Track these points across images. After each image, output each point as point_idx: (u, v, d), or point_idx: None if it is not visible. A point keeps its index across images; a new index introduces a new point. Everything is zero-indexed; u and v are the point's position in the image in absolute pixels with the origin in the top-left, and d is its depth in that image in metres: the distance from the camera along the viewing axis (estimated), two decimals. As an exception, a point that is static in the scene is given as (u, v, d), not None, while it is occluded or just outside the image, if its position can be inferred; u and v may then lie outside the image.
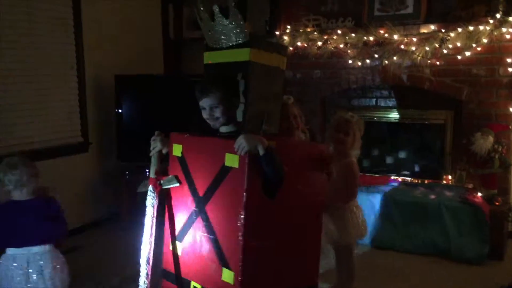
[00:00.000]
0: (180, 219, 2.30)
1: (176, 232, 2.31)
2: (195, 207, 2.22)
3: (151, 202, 2.30)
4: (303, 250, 2.28)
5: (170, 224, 2.36)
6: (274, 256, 2.13)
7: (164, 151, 2.36)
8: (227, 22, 2.28)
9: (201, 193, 2.19)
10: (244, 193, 1.99)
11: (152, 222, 2.31)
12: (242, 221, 1.99)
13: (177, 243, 2.30)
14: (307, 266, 2.31)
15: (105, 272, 3.63)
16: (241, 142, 1.98)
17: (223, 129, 2.34)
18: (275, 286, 2.18)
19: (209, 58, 2.44)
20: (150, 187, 2.32)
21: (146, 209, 2.30)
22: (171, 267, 2.34)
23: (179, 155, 2.29)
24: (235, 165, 2.04)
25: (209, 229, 2.16)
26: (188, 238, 2.25)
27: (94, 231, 4.57)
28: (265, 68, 2.47)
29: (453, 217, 3.79)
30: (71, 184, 4.39)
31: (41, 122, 4.14)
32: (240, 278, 1.99)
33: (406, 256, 3.86)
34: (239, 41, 2.35)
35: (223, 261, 2.06)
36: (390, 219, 4.02)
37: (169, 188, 2.36)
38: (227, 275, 2.04)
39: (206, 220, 2.18)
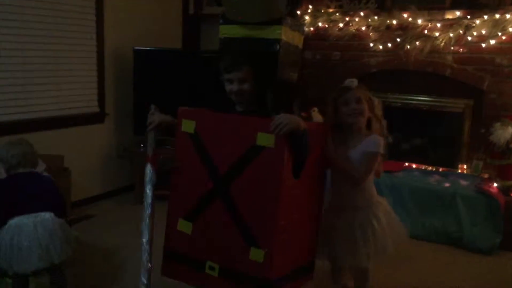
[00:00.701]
0: (191, 198, 2.25)
1: (186, 212, 2.26)
2: (213, 187, 2.18)
3: (149, 180, 2.26)
4: (312, 226, 2.32)
5: (175, 203, 2.29)
6: (295, 234, 2.15)
7: (163, 126, 2.31)
8: None
9: (222, 173, 2.15)
10: (281, 173, 1.99)
11: (153, 201, 2.28)
12: (276, 200, 2.00)
13: (186, 222, 2.26)
14: (313, 241, 2.35)
15: (113, 243, 3.66)
16: (282, 121, 1.96)
17: (241, 107, 2.32)
18: (294, 261, 2.21)
19: (228, 31, 2.40)
20: (148, 166, 2.27)
21: (145, 188, 2.26)
22: (178, 247, 2.30)
23: (191, 131, 2.21)
24: (270, 144, 2.01)
25: (232, 208, 2.13)
26: (202, 218, 2.22)
27: (108, 202, 4.61)
28: (291, 48, 2.46)
29: (467, 206, 3.77)
30: (86, 154, 4.43)
31: (58, 90, 4.14)
32: (271, 256, 2.01)
33: (418, 242, 3.85)
34: (265, 17, 2.32)
35: (250, 240, 2.05)
36: (404, 205, 4.01)
37: (173, 167, 2.30)
38: (256, 254, 2.05)
39: (229, 199, 2.13)
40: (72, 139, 4.25)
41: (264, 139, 2.03)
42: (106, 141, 4.67)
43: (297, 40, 2.53)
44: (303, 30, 2.54)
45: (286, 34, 2.34)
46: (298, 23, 2.56)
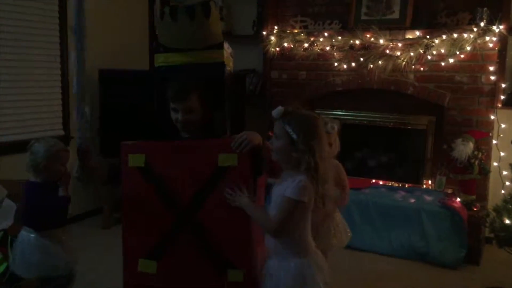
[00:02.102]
0: (151, 235, 2.15)
1: (147, 250, 2.15)
2: (177, 218, 2.12)
3: None
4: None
5: (131, 243, 2.19)
6: (260, 247, 2.14)
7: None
8: (192, 22, 2.23)
9: (185, 202, 2.10)
10: (248, 189, 2.01)
11: None
12: (248, 217, 1.99)
13: (149, 261, 2.16)
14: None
15: (79, 268, 3.58)
16: (244, 138, 1.98)
17: (186, 134, 2.27)
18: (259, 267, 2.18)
19: (166, 59, 2.34)
20: None
21: None
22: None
23: (141, 165, 2.13)
24: (233, 163, 2.01)
25: (202, 235, 2.08)
26: (169, 253, 2.14)
27: (74, 226, 4.51)
28: (228, 71, 2.46)
29: (432, 221, 3.84)
30: (51, 178, 4.33)
31: (21, 114, 4.08)
32: (250, 273, 2.03)
33: (385, 258, 3.90)
34: (207, 42, 2.29)
35: (226, 264, 2.04)
36: (371, 222, 4.06)
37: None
38: (235, 275, 2.04)
39: (197, 227, 2.08)
40: (36, 163, 4.15)
41: (226, 160, 2.03)
42: (72, 164, 4.58)
43: (231, 63, 2.54)
44: (233, 54, 2.55)
45: (226, 58, 2.36)
46: (229, 47, 2.52)
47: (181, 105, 2.20)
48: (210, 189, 2.09)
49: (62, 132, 4.45)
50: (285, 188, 1.89)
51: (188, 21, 2.22)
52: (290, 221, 1.89)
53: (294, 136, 1.89)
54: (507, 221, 3.17)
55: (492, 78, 4.01)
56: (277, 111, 1.95)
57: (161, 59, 2.36)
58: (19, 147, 3.99)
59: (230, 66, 2.48)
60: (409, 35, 4.24)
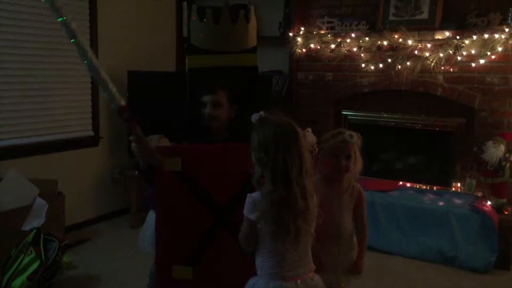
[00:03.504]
0: (187, 240, 2.14)
1: (181, 256, 2.15)
2: (215, 220, 2.12)
3: None
4: None
5: (166, 249, 2.17)
6: None
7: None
8: (234, 26, 2.25)
9: (223, 204, 2.11)
10: None
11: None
12: None
13: (184, 267, 2.14)
14: None
15: (108, 267, 3.64)
16: None
17: (212, 137, 2.29)
18: None
19: (198, 61, 2.34)
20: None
21: None
22: None
23: (178, 169, 2.11)
24: None
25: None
26: (206, 257, 2.13)
27: (102, 225, 4.60)
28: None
29: (461, 225, 3.78)
30: (80, 177, 4.43)
31: (52, 115, 4.16)
32: None
33: (412, 261, 3.85)
34: (242, 46, 2.30)
35: None
36: (398, 224, 4.02)
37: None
38: None
39: (235, 228, 2.00)
40: (66, 163, 4.25)
41: None
42: (101, 164, 4.67)
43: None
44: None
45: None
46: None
47: (210, 98, 2.23)
48: (245, 192, 2.09)
49: (91, 133, 4.52)
50: None
51: (230, 24, 2.24)
52: (245, 238, 1.87)
53: (253, 144, 1.80)
54: (540, 226, 3.10)
55: (524, 79, 3.93)
56: (255, 116, 1.84)
57: (193, 61, 2.37)
58: (51, 147, 4.11)
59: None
60: (438, 36, 4.18)
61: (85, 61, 2.00)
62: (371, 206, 4.10)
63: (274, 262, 1.82)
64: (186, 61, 2.43)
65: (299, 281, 1.82)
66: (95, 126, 4.53)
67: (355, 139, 2.23)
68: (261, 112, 1.83)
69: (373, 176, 4.59)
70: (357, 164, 2.25)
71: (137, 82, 4.64)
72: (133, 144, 2.13)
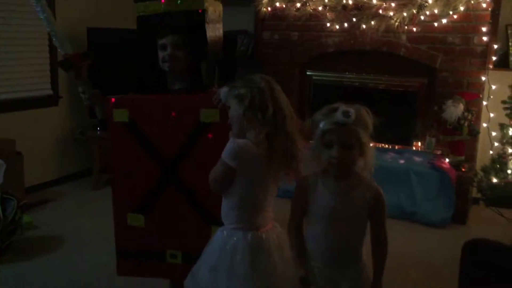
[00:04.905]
0: (138, 190, 2.17)
1: (134, 205, 2.18)
2: (162, 174, 2.13)
3: None
4: None
5: (120, 197, 2.21)
6: None
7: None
8: None
9: (169, 157, 2.11)
10: None
11: None
12: None
13: (136, 215, 2.19)
14: None
15: (69, 228, 3.60)
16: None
17: (173, 84, 2.24)
18: None
19: (145, 8, 2.26)
20: None
21: None
22: (132, 243, 2.23)
23: (125, 120, 2.11)
24: (215, 119, 1.99)
25: (186, 191, 2.09)
26: (155, 208, 2.17)
27: (64, 187, 4.51)
28: (216, 17, 2.39)
29: (420, 182, 3.88)
30: (40, 138, 4.31)
31: (9, 72, 4.01)
32: None
33: (374, 218, 3.94)
34: None
35: (210, 220, 2.01)
36: (360, 182, 4.10)
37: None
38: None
39: (181, 183, 2.09)
40: (25, 123, 4.12)
41: (208, 115, 2.01)
42: (61, 125, 4.55)
43: (219, 9, 2.45)
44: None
45: (210, 3, 2.29)
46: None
47: (169, 40, 2.16)
48: (191, 145, 2.09)
49: (50, 92, 4.39)
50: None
51: None
52: (219, 180, 1.76)
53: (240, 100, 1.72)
54: (495, 180, 3.21)
55: (485, 39, 3.99)
56: (351, 112, 1.67)
57: (141, 9, 2.31)
58: (8, 106, 3.98)
59: (217, 11, 2.40)
60: (402, -5, 4.17)
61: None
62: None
63: (249, 212, 1.78)
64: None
65: (269, 231, 1.81)
66: (54, 85, 4.39)
67: (355, 118, 1.64)
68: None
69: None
70: (367, 154, 1.70)
71: (97, 40, 4.50)
72: (81, 95, 2.13)
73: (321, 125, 1.69)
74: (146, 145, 2.12)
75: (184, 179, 2.11)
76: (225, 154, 1.73)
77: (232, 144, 1.73)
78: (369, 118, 1.72)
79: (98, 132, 4.44)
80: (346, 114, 1.64)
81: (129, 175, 2.19)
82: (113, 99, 2.15)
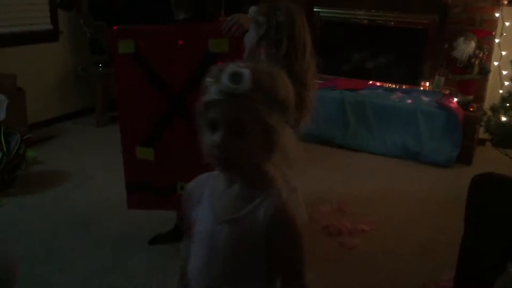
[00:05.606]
0: (146, 123, 2.16)
1: (142, 138, 2.18)
2: (169, 105, 2.11)
3: None
4: None
5: (128, 131, 2.19)
6: None
7: None
8: None
9: (177, 88, 2.08)
10: None
11: None
12: None
13: (145, 148, 2.18)
14: None
15: (73, 164, 3.60)
16: (235, 22, 1.86)
17: (180, 13, 2.19)
18: None
19: None
20: None
21: None
22: (141, 176, 2.23)
23: (131, 51, 2.07)
24: (224, 49, 1.94)
25: (195, 124, 2.09)
26: (163, 140, 2.16)
27: (67, 124, 4.49)
28: None
29: (427, 121, 3.84)
30: (41, 74, 4.25)
31: (8, 5, 3.88)
32: None
33: (379, 157, 3.93)
34: None
35: None
36: (366, 122, 4.06)
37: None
38: None
39: (190, 115, 2.08)
40: (25, 58, 4.04)
41: (217, 45, 1.96)
42: (62, 61, 4.47)
43: None
44: None
45: None
46: None
47: None
48: (200, 75, 2.04)
49: (50, 26, 4.27)
50: None
51: None
52: None
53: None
54: (504, 119, 3.16)
55: (500, -28, 3.82)
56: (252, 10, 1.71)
57: None
58: (7, 40, 3.89)
59: None
60: None
61: None
62: (340, 105, 4.11)
63: None
64: None
65: None
66: (54, 19, 4.26)
67: (254, 85, 0.99)
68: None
69: (343, 75, 4.56)
70: (280, 143, 1.03)
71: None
72: (85, 28, 2.08)
73: (206, 94, 1.11)
74: (153, 77, 2.08)
75: (193, 111, 2.08)
76: None
77: None
78: (283, 85, 1.05)
79: (101, 69, 4.37)
80: (236, 77, 1.00)
81: (136, 108, 2.16)
82: (118, 30, 2.10)
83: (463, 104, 3.90)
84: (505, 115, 3.19)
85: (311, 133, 4.09)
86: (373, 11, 4.47)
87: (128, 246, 2.49)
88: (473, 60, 3.79)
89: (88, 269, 2.30)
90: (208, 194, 1.15)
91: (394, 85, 4.46)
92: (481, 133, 3.91)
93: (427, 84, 4.34)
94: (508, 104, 3.24)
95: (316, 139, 4.09)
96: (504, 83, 3.93)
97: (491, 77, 3.99)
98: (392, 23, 4.44)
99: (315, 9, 4.69)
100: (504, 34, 3.91)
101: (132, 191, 2.29)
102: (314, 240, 2.65)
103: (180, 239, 2.45)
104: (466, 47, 3.77)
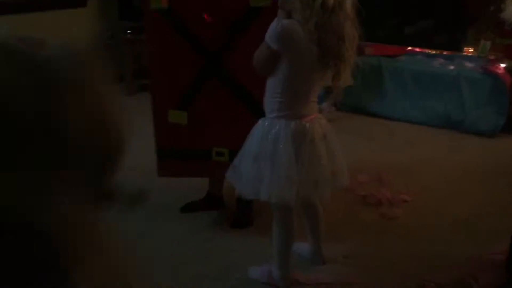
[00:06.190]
0: (179, 84, 2.06)
1: (175, 101, 2.09)
2: (205, 66, 2.00)
3: None
4: None
5: (159, 93, 2.10)
6: None
7: None
8: None
9: (212, 47, 1.97)
10: None
11: None
12: None
13: (179, 112, 2.09)
14: None
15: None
16: None
17: None
18: None
19: None
20: None
21: None
22: (173, 142, 2.15)
23: (165, 6, 1.95)
24: (267, 3, 1.83)
25: (232, 82, 1.99)
26: (198, 103, 2.06)
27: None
28: None
29: (471, 88, 3.63)
30: (69, 40, 4.16)
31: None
32: None
33: (419, 127, 3.74)
34: None
35: (260, 113, 1.85)
36: (404, 90, 3.87)
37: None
38: None
39: (227, 75, 1.99)
40: (52, 24, 3.93)
41: None
42: (90, 28, 4.38)
43: None
44: None
45: None
46: None
47: None
48: (238, 32, 1.94)
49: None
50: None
51: None
52: (263, 61, 1.68)
53: None
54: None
55: None
56: None
57: None
58: (34, 5, 3.82)
59: None
60: None
61: None
62: (377, 72, 3.92)
63: (293, 99, 1.70)
64: None
65: (313, 120, 1.74)
66: (81, -17, 4.18)
67: None
68: None
69: (380, 41, 4.34)
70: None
71: None
72: None
73: None
74: (187, 34, 1.98)
75: (230, 71, 1.98)
76: (268, 35, 1.63)
77: (276, 24, 1.61)
78: None
79: (129, 35, 4.27)
80: None
81: (168, 68, 2.07)
82: None
83: (510, 70, 3.65)
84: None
85: (347, 102, 3.95)
86: (413, -28, 4.22)
87: (160, 213, 2.41)
88: (523, 22, 3.54)
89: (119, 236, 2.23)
90: None
91: (434, 51, 4.22)
92: (529, 101, 3.66)
93: (471, 49, 4.09)
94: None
95: (351, 108, 3.94)
96: (556, 46, 3.66)
97: (542, 40, 3.72)
98: (434, -15, 4.18)
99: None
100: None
101: (163, 158, 2.21)
102: (352, 210, 2.53)
103: (212, 207, 2.40)
104: (516, 8, 3.51)
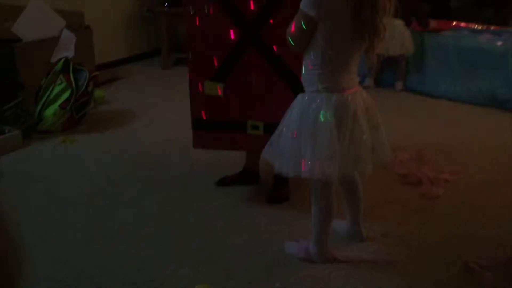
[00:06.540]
0: (216, 55, 2.03)
1: (212, 71, 2.06)
2: (242, 37, 1.97)
3: None
4: None
5: (197, 63, 2.07)
6: None
7: None
8: None
9: (250, 17, 1.94)
10: None
11: None
12: None
13: (215, 83, 2.06)
14: None
15: (142, 103, 3.55)
16: None
17: None
18: None
19: None
20: None
21: None
22: (209, 113, 2.12)
23: None
24: None
25: (270, 56, 1.94)
26: (235, 74, 2.03)
27: (134, 65, 4.46)
28: None
29: (520, 65, 3.45)
30: (107, 14, 4.18)
31: None
32: None
33: (463, 105, 3.61)
34: None
35: (297, 86, 1.80)
36: (448, 67, 3.72)
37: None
38: None
39: (264, 46, 1.94)
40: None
41: None
42: (128, 1, 4.38)
43: None
44: None
45: None
46: None
47: None
48: (276, 2, 1.89)
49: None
50: None
51: None
52: (298, 33, 1.62)
53: None
54: None
55: None
56: None
57: None
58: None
59: None
60: None
61: None
62: (419, 47, 3.79)
63: (333, 71, 1.64)
64: None
65: (355, 93, 1.67)
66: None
67: None
68: None
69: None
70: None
71: None
72: None
73: None
74: (224, 4, 1.96)
75: (267, 42, 1.94)
76: (304, 3, 1.57)
77: None
78: None
79: (166, 9, 4.24)
80: None
81: (205, 39, 2.04)
82: None
83: (563, 47, 3.46)
84: None
85: (386, 78, 3.84)
86: None
87: (195, 186, 2.41)
88: None
89: (153, 207, 2.25)
90: None
91: (481, 26, 4.03)
92: None
93: (520, 25, 3.89)
94: None
95: (391, 84, 3.83)
96: None
97: None
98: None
99: None
100: None
101: (198, 129, 2.19)
102: (392, 189, 2.46)
103: (249, 181, 2.38)
104: None
